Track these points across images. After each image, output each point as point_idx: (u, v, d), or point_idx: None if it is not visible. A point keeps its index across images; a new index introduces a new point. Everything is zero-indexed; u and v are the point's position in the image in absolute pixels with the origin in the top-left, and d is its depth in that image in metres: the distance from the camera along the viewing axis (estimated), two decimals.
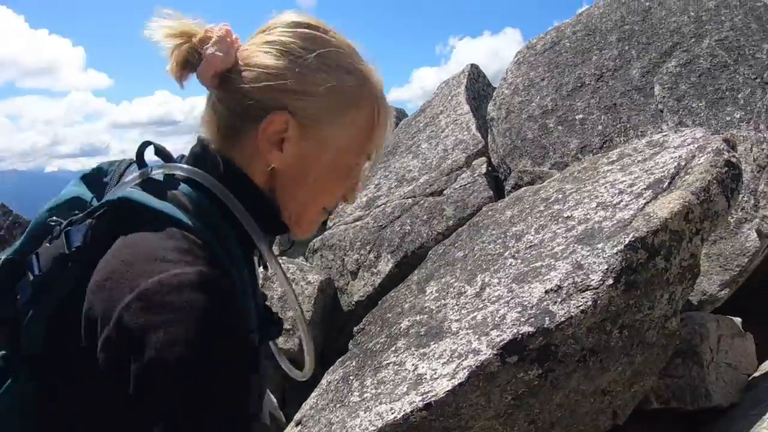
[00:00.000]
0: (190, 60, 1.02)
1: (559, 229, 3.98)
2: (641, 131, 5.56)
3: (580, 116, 5.93)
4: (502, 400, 3.27)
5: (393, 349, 3.92)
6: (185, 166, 0.99)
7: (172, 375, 0.71)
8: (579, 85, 6.14)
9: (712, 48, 5.68)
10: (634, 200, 3.75)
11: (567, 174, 4.90)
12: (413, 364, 3.57)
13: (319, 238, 7.03)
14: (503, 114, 6.51)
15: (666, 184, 3.80)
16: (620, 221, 3.59)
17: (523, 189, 5.05)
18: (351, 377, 4.07)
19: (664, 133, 4.83)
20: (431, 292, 4.40)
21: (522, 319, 3.30)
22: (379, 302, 4.96)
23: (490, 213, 4.96)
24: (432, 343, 3.65)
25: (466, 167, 6.52)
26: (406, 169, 7.15)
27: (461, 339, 3.49)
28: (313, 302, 6.03)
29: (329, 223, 7.07)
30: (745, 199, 4.87)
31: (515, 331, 3.23)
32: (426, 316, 4.07)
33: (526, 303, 3.42)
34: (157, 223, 0.87)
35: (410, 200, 6.58)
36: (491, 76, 8.23)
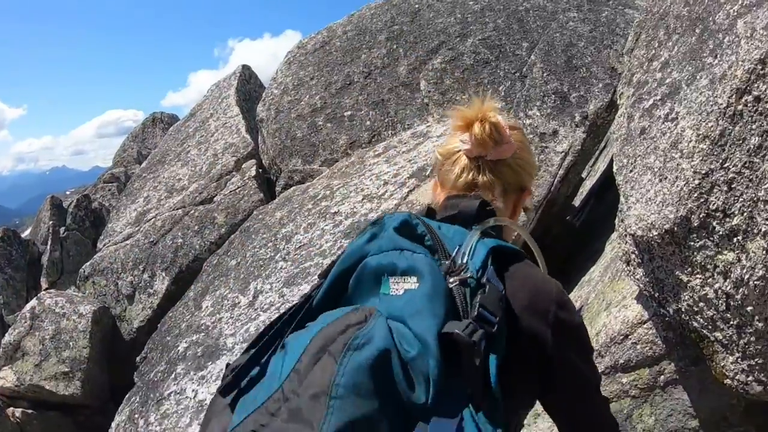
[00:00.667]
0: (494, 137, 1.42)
1: (326, 225, 3.79)
2: (408, 124, 5.73)
3: (349, 113, 6.00)
4: None
5: (173, 376, 3.55)
6: (493, 220, 1.34)
7: (587, 339, 1.31)
8: (348, 82, 6.23)
9: (475, 46, 6.02)
10: (398, 190, 3.68)
11: (335, 170, 4.77)
12: (193, 390, 3.27)
13: (89, 263, 6.27)
14: (273, 114, 6.44)
15: (429, 170, 3.79)
16: (385, 212, 3.49)
17: (292, 188, 4.82)
18: (136, 415, 3.70)
19: (428, 124, 4.92)
20: (207, 307, 4.06)
21: None
22: (159, 325, 4.55)
23: (260, 216, 4.65)
24: (209, 363, 3.35)
25: (236, 171, 6.31)
26: (176, 178, 6.70)
27: (236, 355, 3.16)
28: (88, 337, 5.34)
29: (99, 245, 6.40)
30: None
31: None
32: (203, 334, 3.72)
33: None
34: (520, 258, 1.25)
35: (180, 211, 6.16)
36: (269, 79, 8.15)
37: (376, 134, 5.80)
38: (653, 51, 2.76)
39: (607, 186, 8.20)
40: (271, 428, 0.91)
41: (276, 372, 1.00)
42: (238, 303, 3.67)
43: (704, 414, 2.75)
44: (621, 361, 2.89)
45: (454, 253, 1.11)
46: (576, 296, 4.91)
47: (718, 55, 2.19)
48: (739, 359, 2.23)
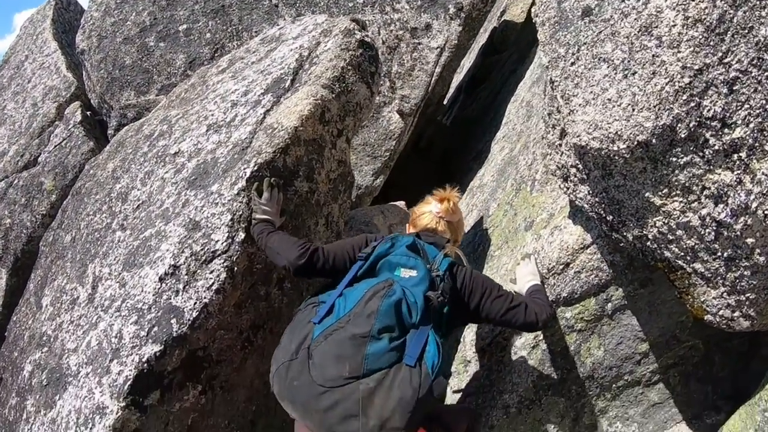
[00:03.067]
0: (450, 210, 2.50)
1: (167, 173, 2.85)
2: (256, 31, 4.76)
3: (184, 26, 4.95)
4: None
5: (25, 416, 2.60)
6: (449, 248, 2.35)
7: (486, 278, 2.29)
8: None
9: None
10: (251, 111, 2.80)
11: (173, 97, 3.72)
12: None
13: None
14: (95, 42, 5.20)
15: (288, 82, 2.92)
16: (237, 144, 2.62)
17: (125, 129, 3.72)
18: None
19: (280, 26, 3.95)
20: (47, 306, 3.04)
21: (142, 334, 2.19)
22: (6, 333, 3.53)
23: (92, 171, 3.54)
24: (57, 398, 2.41)
25: (59, 120, 4.95)
26: None
27: (83, 386, 2.33)
28: None
29: None
30: (381, 82, 4.48)
31: (137, 358, 2.13)
32: (45, 350, 2.74)
33: (141, 303, 2.30)
34: (460, 264, 2.25)
35: (2, 183, 4.79)
36: None
37: (219, 47, 4.86)
38: None
39: (477, 81, 7.92)
40: (342, 330, 1.86)
41: (340, 309, 1.95)
42: (77, 298, 2.73)
43: (654, 335, 2.47)
44: (564, 294, 2.49)
45: (432, 261, 2.18)
46: (469, 204, 4.51)
47: None
48: (725, 294, 1.86)
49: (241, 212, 2.31)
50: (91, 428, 2.10)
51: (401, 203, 4.95)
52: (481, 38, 8.08)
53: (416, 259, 2.11)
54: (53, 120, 4.95)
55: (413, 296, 1.97)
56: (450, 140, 6.82)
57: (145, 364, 2.11)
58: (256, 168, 2.37)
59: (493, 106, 5.78)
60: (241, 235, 2.30)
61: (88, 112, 4.97)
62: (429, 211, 2.47)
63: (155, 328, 2.17)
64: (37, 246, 3.76)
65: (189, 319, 2.16)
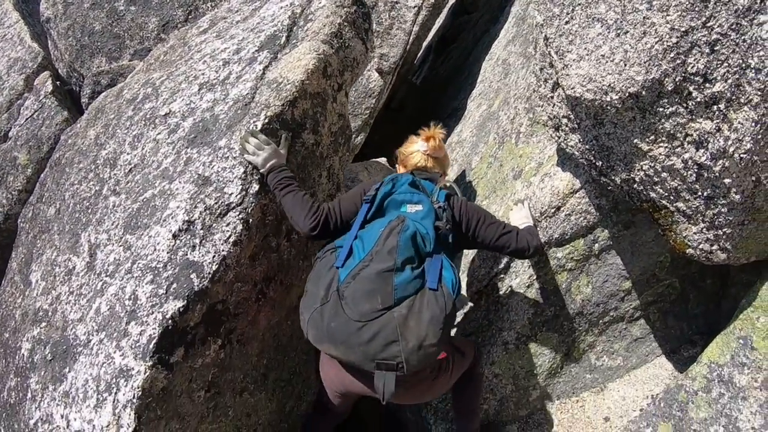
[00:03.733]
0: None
1: (159, 134, 2.87)
2: None
3: None
4: (195, 405, 2.31)
5: (30, 395, 2.54)
6: (443, 181, 2.79)
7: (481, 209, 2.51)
8: None
9: None
10: (247, 68, 2.83)
11: (152, 60, 3.69)
12: (63, 417, 2.30)
13: None
14: (60, 9, 5.01)
15: (283, 38, 2.96)
16: (238, 100, 2.68)
17: (103, 95, 3.66)
18: None
19: None
20: (37, 281, 2.98)
21: (161, 292, 2.25)
22: None
23: (70, 141, 3.48)
24: (67, 370, 2.40)
25: (28, 92, 4.78)
26: None
27: (98, 354, 2.30)
28: None
29: None
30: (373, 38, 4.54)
31: (160, 316, 2.19)
32: (44, 324, 2.71)
33: (156, 262, 2.35)
34: (455, 196, 2.48)
35: None
36: None
37: (193, 9, 4.75)
38: None
39: (447, 41, 7.96)
40: (368, 268, 2.04)
41: (359, 250, 2.13)
42: (73, 268, 2.72)
43: (636, 274, 2.72)
44: (555, 235, 2.69)
45: (431, 194, 2.39)
46: (449, 159, 4.69)
47: None
48: (705, 229, 2.09)
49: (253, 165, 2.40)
50: (116, 393, 2.10)
51: (383, 159, 5.06)
52: None
53: (419, 194, 2.31)
54: (21, 92, 4.77)
55: (424, 228, 2.18)
56: (422, 100, 6.91)
57: (170, 321, 2.16)
58: (266, 120, 2.45)
59: (466, 65, 5.88)
60: (255, 187, 2.38)
61: (58, 82, 4.83)
62: (417, 150, 2.64)
63: (174, 285, 2.23)
64: (15, 224, 3.69)
65: (209, 273, 2.25)
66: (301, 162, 2.64)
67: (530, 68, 3.39)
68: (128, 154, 2.93)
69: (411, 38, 5.01)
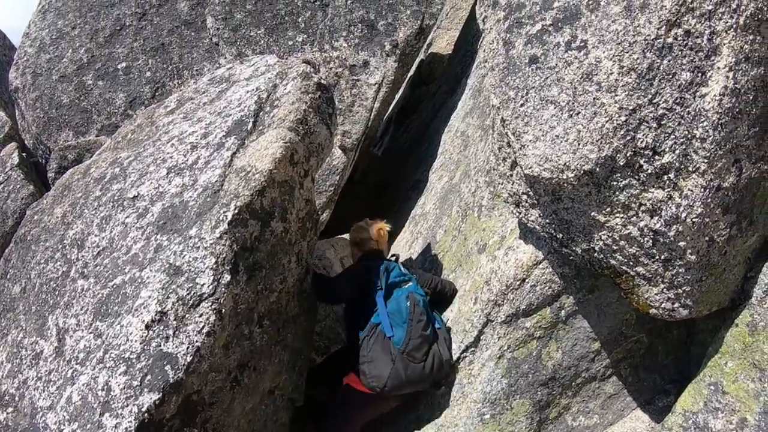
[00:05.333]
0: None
1: (128, 217, 2.86)
2: (197, 69, 4.84)
3: (124, 64, 4.92)
4: None
5: None
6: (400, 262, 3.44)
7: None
8: (118, 27, 5.07)
9: None
10: (215, 154, 2.89)
11: (120, 138, 3.73)
12: None
13: None
14: (29, 80, 5.05)
15: (250, 124, 3.04)
16: (207, 187, 2.70)
17: (70, 172, 3.66)
18: None
19: (228, 66, 4.05)
20: (2, 362, 2.88)
21: (135, 383, 2.19)
22: None
23: (36, 217, 3.44)
24: None
25: None
26: None
27: None
28: None
29: None
30: (337, 122, 4.73)
31: (136, 409, 2.13)
32: (11, 410, 2.60)
33: (129, 353, 2.30)
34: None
35: None
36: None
37: (160, 86, 4.85)
38: None
39: (407, 112, 8.28)
40: (414, 329, 2.95)
41: (395, 321, 3.01)
42: (41, 352, 2.65)
43: (604, 334, 2.79)
44: (522, 306, 2.77)
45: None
46: (414, 232, 4.78)
47: None
48: (665, 290, 2.20)
49: (224, 255, 2.40)
50: None
51: (347, 236, 5.10)
52: (410, 69, 8.51)
53: (406, 275, 3.21)
54: None
55: (421, 294, 3.11)
56: (383, 171, 7.08)
57: (146, 414, 2.11)
58: (236, 211, 2.48)
59: (426, 136, 6.11)
60: (227, 277, 2.39)
61: (24, 154, 4.80)
62: (370, 238, 3.42)
63: (149, 377, 2.18)
64: None
65: (184, 364, 2.21)
66: (271, 250, 2.67)
67: (488, 141, 3.57)
68: (96, 236, 2.91)
69: (372, 114, 5.20)
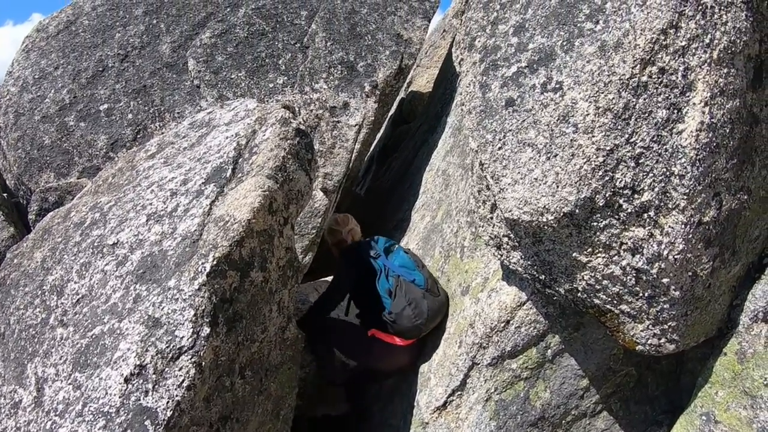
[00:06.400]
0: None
1: (107, 265, 2.82)
2: (178, 112, 4.83)
3: (105, 106, 4.92)
4: None
5: None
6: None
7: None
8: (101, 69, 5.10)
9: (249, 16, 5.29)
10: (195, 201, 2.87)
11: (100, 182, 3.69)
12: None
13: None
14: (11, 119, 5.04)
15: (229, 171, 3.03)
16: (186, 236, 2.67)
17: (50, 215, 3.62)
18: None
19: (208, 110, 4.06)
20: None
21: None
22: None
23: (16, 261, 3.38)
24: None
25: None
26: None
27: None
28: None
29: None
30: (316, 167, 4.75)
31: None
32: None
33: (108, 407, 2.23)
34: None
35: None
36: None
37: (142, 129, 4.83)
38: (495, 14, 2.51)
39: (388, 151, 8.34)
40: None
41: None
42: (20, 401, 2.57)
43: (592, 371, 2.77)
44: (508, 348, 2.74)
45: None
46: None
47: (602, 21, 2.00)
48: (651, 326, 2.20)
49: (203, 307, 2.36)
50: None
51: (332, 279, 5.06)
52: (390, 108, 8.62)
53: (389, 240, 3.78)
54: None
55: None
56: (366, 210, 7.08)
57: None
58: (215, 262, 2.44)
59: (408, 175, 6.15)
60: (206, 330, 2.34)
61: (5, 194, 4.74)
62: (344, 237, 3.85)
63: (128, 431, 2.12)
64: None
65: (164, 419, 2.14)
66: (251, 300, 2.63)
67: (469, 181, 3.59)
68: (76, 283, 2.86)
69: (353, 156, 5.22)
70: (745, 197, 2.13)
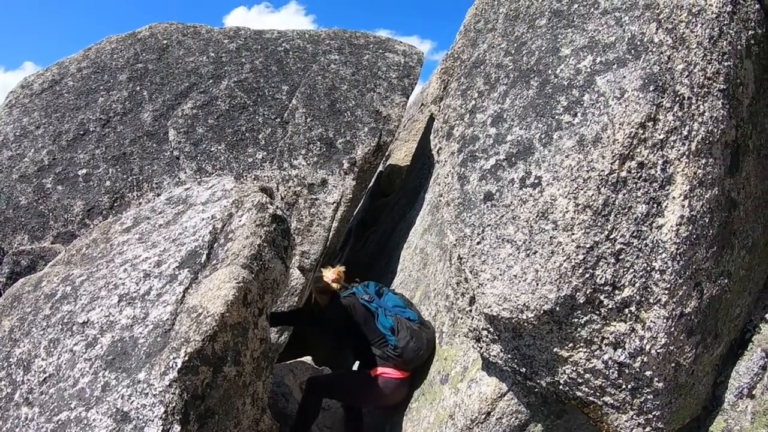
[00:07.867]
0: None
1: (77, 345, 2.71)
2: (156, 182, 4.80)
3: (84, 171, 4.89)
4: None
5: None
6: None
7: None
8: (82, 132, 5.09)
9: (231, 89, 5.39)
10: (168, 287, 2.79)
11: (74, 251, 3.59)
12: None
13: None
14: None
15: (204, 257, 2.96)
16: (158, 324, 2.58)
17: (21, 282, 3.49)
18: None
19: (186, 186, 4.04)
20: None
21: None
22: None
23: None
24: None
25: None
26: None
27: None
28: None
29: None
30: (293, 254, 4.72)
31: None
32: None
33: None
34: None
35: None
36: None
37: (119, 197, 4.78)
38: (473, 102, 2.58)
39: (366, 224, 8.36)
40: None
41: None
42: None
43: None
44: None
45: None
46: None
47: (580, 114, 2.07)
48: (635, 416, 2.15)
49: (174, 404, 2.24)
50: None
51: (307, 359, 4.95)
52: (369, 184, 8.70)
53: (378, 284, 3.98)
54: None
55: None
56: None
57: None
58: (186, 358, 2.34)
59: (386, 251, 6.13)
60: (177, 428, 2.21)
61: None
62: (335, 278, 3.97)
63: None
64: None
65: None
66: (224, 395, 2.52)
67: (446, 264, 3.58)
68: (43, 360, 2.73)
69: (331, 234, 5.20)
70: (726, 281, 2.15)
